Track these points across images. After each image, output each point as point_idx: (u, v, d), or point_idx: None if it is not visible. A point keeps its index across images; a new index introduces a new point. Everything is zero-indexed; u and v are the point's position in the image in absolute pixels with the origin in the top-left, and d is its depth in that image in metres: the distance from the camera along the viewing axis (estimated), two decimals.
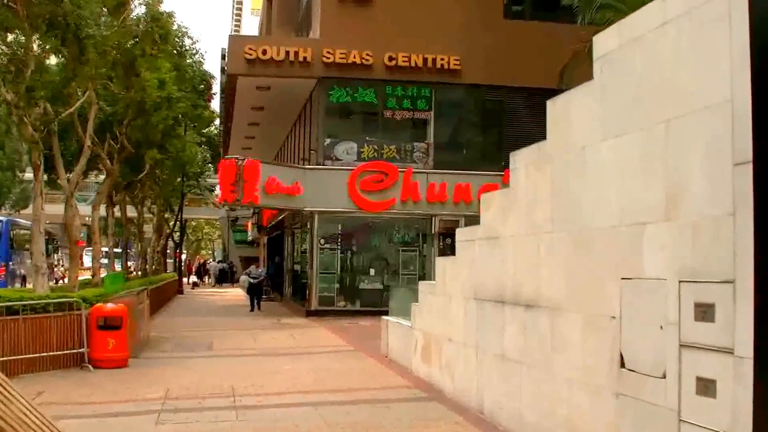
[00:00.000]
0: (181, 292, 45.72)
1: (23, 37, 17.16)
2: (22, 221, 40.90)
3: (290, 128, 37.16)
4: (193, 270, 71.60)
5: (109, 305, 16.43)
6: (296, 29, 35.95)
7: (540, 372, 8.89)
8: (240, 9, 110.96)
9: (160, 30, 21.46)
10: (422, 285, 14.47)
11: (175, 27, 24.81)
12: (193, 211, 69.34)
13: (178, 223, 52.47)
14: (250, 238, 65.40)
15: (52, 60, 18.97)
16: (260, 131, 38.91)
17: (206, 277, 70.02)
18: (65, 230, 21.92)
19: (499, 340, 10.18)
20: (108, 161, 25.92)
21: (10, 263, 37.59)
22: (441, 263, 13.16)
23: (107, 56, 20.53)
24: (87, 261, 67.72)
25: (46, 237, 24.10)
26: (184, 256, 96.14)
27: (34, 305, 15.57)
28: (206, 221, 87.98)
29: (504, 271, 10.05)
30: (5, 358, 14.68)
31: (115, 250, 57.60)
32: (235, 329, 24.20)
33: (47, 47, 17.28)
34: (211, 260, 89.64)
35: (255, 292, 31.96)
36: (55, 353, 15.51)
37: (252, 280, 32.19)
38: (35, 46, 17.31)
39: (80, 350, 15.79)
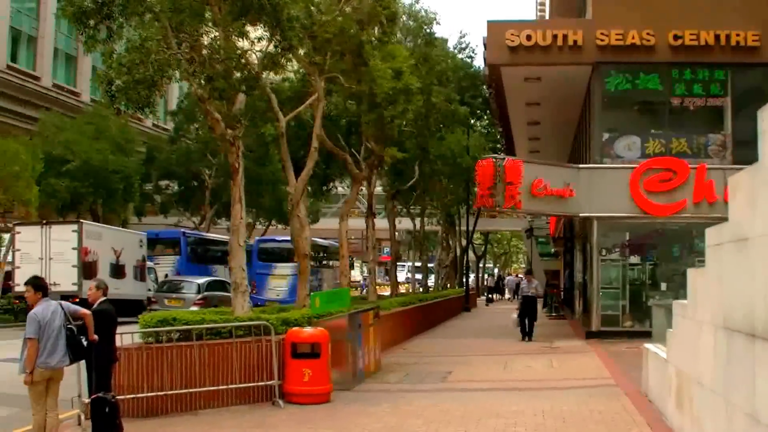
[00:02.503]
0: (468, 309, 43.34)
1: (214, 28, 15.45)
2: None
3: (576, 126, 33.58)
4: (489, 285, 69.23)
5: (308, 330, 14.22)
6: (577, 15, 32.45)
7: None
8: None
9: (384, 11, 19.10)
10: (676, 305, 10.75)
11: (422, 12, 22.67)
12: (493, 222, 67.05)
13: (471, 234, 50.36)
14: (553, 250, 62.05)
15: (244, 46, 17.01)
16: (544, 131, 35.68)
17: (502, 292, 67.67)
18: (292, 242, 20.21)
19: (749, 391, 6.47)
20: (354, 166, 24.15)
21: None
22: (692, 276, 9.49)
23: (332, 45, 18.58)
24: (399, 276, 68.21)
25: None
26: (496, 271, 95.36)
27: (217, 329, 13.73)
28: (512, 233, 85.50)
29: (753, 288, 6.33)
30: (177, 391, 12.94)
31: (417, 264, 57.19)
32: (490, 354, 21.35)
33: (234, 33, 15.34)
34: (507, 274, 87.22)
35: (527, 313, 25.31)
36: (240, 385, 13.52)
37: (523, 298, 25.89)
38: (215, 32, 15.52)
39: (270, 382, 13.66)
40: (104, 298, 11.32)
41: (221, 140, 16.12)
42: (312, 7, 18.39)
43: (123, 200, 42.98)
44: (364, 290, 38.86)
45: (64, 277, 30.51)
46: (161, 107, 54.42)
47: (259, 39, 16.95)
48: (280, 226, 51.58)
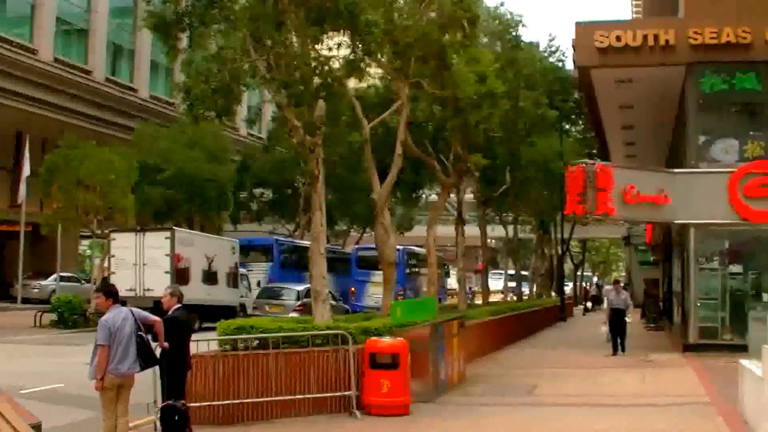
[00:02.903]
0: (564, 319, 42.39)
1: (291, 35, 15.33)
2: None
3: (671, 129, 32.51)
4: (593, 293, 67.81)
5: (386, 339, 13.93)
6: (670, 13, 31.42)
7: None
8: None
9: (466, 14, 18.69)
10: None
11: (507, 15, 22.23)
12: (590, 229, 65.65)
13: (568, 242, 49.43)
14: (651, 258, 60.45)
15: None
16: (639, 135, 34.63)
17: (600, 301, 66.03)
18: (381, 252, 19.94)
19: None
20: (441, 173, 23.81)
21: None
22: None
23: (414, 49, 18.31)
24: (495, 284, 67.61)
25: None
26: (594, 279, 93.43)
27: (295, 337, 13.56)
28: (610, 240, 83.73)
29: None
30: (253, 400, 12.82)
31: (511, 272, 56.37)
32: (580, 367, 20.73)
33: (310, 40, 15.19)
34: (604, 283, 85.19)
35: (616, 327, 23.77)
36: (316, 395, 13.32)
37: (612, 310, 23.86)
38: (292, 39, 15.37)
39: (347, 393, 13.41)
40: (179, 305, 11.27)
41: (300, 147, 16.00)
42: (395, 13, 18.18)
43: (217, 208, 43.54)
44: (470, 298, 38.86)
45: (157, 283, 30.86)
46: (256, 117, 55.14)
47: (339, 45, 16.75)
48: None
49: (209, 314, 31.19)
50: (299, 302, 30.57)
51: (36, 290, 42.66)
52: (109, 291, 10.51)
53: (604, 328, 24.40)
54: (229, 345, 13.38)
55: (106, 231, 33.50)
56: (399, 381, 13.50)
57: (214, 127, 42.02)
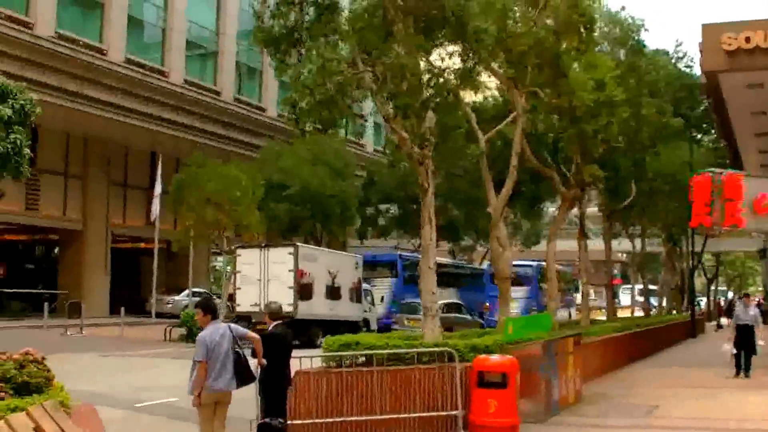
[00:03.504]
0: (694, 335, 40.49)
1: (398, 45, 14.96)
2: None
3: None
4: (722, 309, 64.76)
5: (495, 357, 13.33)
6: None
7: None
8: None
9: (581, 18, 17.89)
10: None
11: (627, 20, 21.27)
12: (724, 242, 62.82)
13: (700, 256, 47.39)
14: None
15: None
16: None
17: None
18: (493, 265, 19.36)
19: None
20: (561, 185, 23.00)
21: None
22: None
23: (528, 57, 17.70)
24: (624, 299, 65.69)
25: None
26: (730, 294, 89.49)
27: (401, 355, 13.13)
28: (746, 254, 79.99)
29: None
30: (356, 418, 12.46)
31: (651, 287, 54.57)
32: (706, 387, 19.53)
33: (419, 50, 14.78)
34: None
35: (743, 345, 21.57)
36: (422, 414, 12.83)
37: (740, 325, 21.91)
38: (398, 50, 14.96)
39: (454, 412, 12.87)
40: (278, 321, 11.04)
41: (409, 159, 15.61)
42: (508, 21, 17.61)
43: (341, 223, 43.66)
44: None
45: (281, 298, 31.11)
46: (379, 132, 55.30)
47: (450, 55, 16.28)
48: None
49: (333, 329, 31.24)
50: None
51: (169, 305, 43.82)
52: (207, 306, 10.35)
53: (727, 346, 22.28)
54: (334, 362, 13.08)
55: (233, 247, 33.98)
56: (507, 400, 12.88)
57: (337, 143, 42.45)
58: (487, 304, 41.91)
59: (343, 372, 12.74)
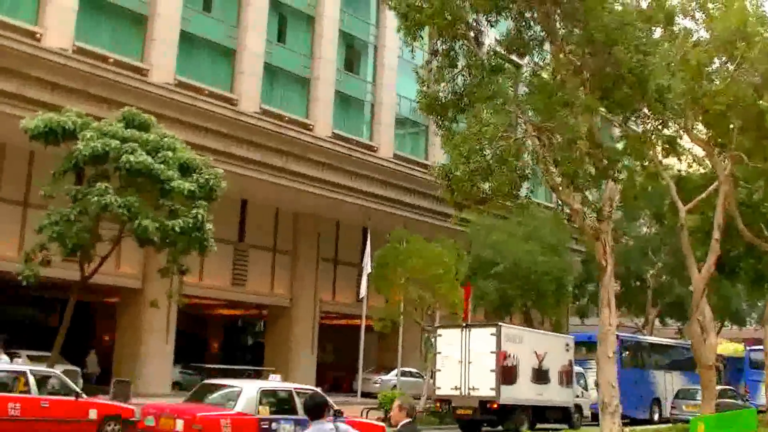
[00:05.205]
0: None
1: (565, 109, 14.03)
2: None
3: None
4: None
5: None
6: None
7: None
8: None
9: None
10: None
11: None
12: None
13: None
14: None
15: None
16: None
17: None
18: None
19: None
20: None
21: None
22: None
23: (726, 117, 16.25)
24: None
25: None
26: None
27: None
28: None
29: None
30: None
31: None
32: None
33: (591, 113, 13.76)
34: None
35: None
36: None
37: None
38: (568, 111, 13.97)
39: None
40: (408, 420, 10.19)
41: (584, 234, 14.51)
42: (703, 80, 16.25)
43: (556, 302, 42.19)
44: None
45: (482, 381, 30.18)
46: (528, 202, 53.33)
47: (631, 118, 15.12)
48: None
49: (540, 415, 30.01)
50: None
51: (377, 385, 43.59)
52: (309, 407, 9.70)
53: None
54: None
55: (434, 326, 33.53)
56: None
57: (554, 218, 41.23)
58: (747, 387, 41.07)
59: None
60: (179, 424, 16.74)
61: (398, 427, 10.08)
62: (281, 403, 18.28)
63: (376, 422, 22.11)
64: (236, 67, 37.92)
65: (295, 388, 19.19)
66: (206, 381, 22.92)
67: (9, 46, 28.07)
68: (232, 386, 19.15)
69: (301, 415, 16.52)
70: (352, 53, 45.37)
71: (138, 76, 32.72)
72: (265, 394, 18.14)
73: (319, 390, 17.14)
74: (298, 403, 17.78)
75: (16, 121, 23.36)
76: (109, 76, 30.77)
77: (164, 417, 17.48)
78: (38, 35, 30.38)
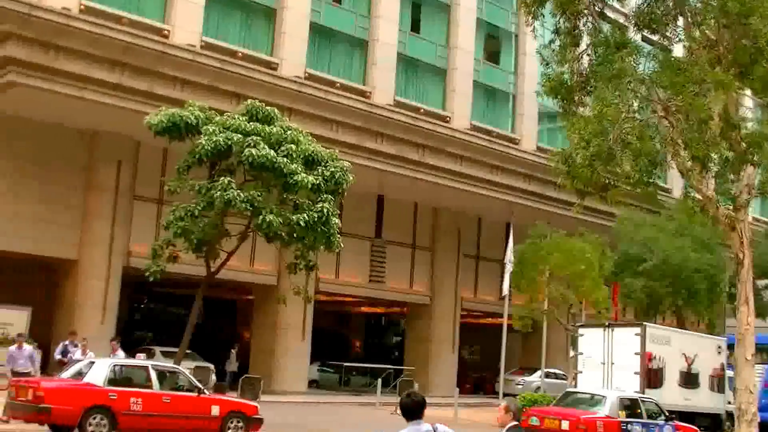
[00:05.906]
0: None
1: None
2: None
3: None
4: None
5: None
6: None
7: None
8: None
9: None
10: None
11: None
12: None
13: None
14: None
15: None
16: None
17: None
18: None
19: None
20: None
21: None
22: None
23: None
24: None
25: None
26: None
27: None
28: None
29: None
30: None
31: None
32: None
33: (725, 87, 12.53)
34: None
35: None
36: None
37: None
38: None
39: None
40: (514, 423, 9.56)
41: (718, 223, 13.33)
42: None
43: (709, 301, 40.07)
44: None
45: (626, 384, 28.96)
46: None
47: None
48: None
49: (688, 421, 28.54)
50: None
51: (519, 386, 42.62)
52: (404, 407, 9.00)
53: None
54: None
55: (573, 325, 32.47)
56: None
57: (680, 206, 39.22)
58: None
59: None
60: (564, 424, 22.00)
61: (504, 429, 9.61)
62: (632, 408, 23.41)
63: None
64: (368, 59, 37.70)
65: (640, 398, 24.63)
66: (569, 389, 28.64)
67: (139, 44, 28.63)
68: (596, 394, 24.71)
69: (647, 419, 23.10)
70: (491, 42, 44.44)
71: (268, 71, 32.88)
72: (622, 401, 23.54)
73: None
74: (643, 410, 23.43)
75: None
76: (238, 71, 31.01)
77: (549, 418, 22.73)
78: (166, 32, 30.96)
